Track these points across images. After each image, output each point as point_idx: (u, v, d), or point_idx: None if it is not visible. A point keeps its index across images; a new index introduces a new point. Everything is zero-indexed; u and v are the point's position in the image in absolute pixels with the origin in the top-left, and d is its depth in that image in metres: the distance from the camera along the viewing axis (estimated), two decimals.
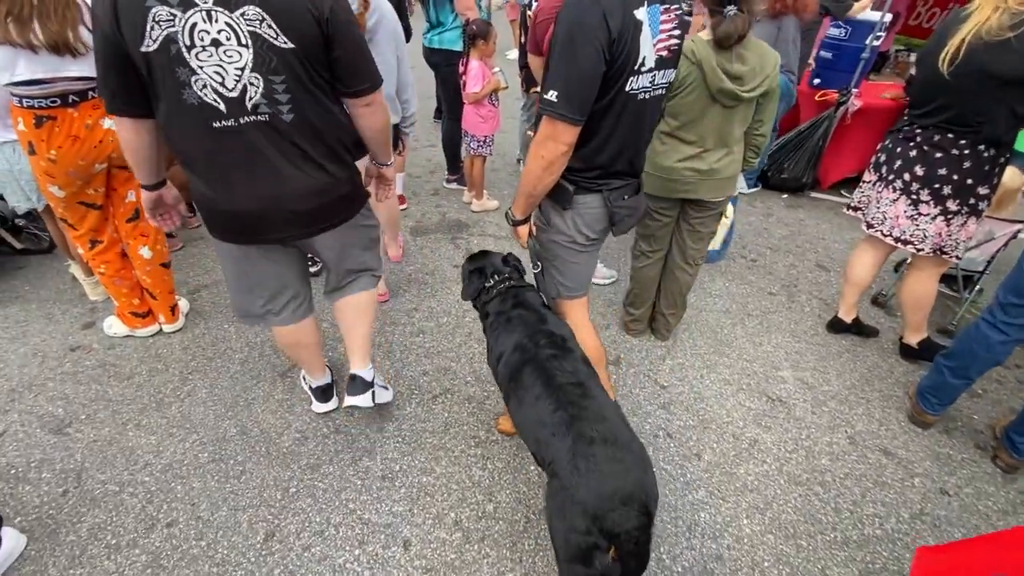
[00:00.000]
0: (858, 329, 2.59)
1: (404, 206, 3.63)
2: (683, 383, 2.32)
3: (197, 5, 1.14)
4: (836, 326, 2.61)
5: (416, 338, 2.52)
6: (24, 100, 1.85)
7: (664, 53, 1.34)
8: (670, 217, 2.28)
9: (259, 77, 1.23)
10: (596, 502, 1.12)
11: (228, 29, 1.17)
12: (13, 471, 1.84)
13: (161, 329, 2.47)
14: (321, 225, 1.51)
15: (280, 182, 1.36)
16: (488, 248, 2.25)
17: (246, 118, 1.26)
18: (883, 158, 2.16)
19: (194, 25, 1.15)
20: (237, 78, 1.22)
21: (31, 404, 2.10)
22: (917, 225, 2.07)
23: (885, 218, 2.16)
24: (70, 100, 1.89)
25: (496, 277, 1.65)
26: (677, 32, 1.36)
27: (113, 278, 2.30)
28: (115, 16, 1.13)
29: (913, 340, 2.42)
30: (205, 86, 1.21)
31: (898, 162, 2.08)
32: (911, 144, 2.04)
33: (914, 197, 2.05)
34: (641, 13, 1.24)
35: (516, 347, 1.45)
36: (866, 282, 2.45)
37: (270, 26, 1.19)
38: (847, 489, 1.88)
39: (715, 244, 2.97)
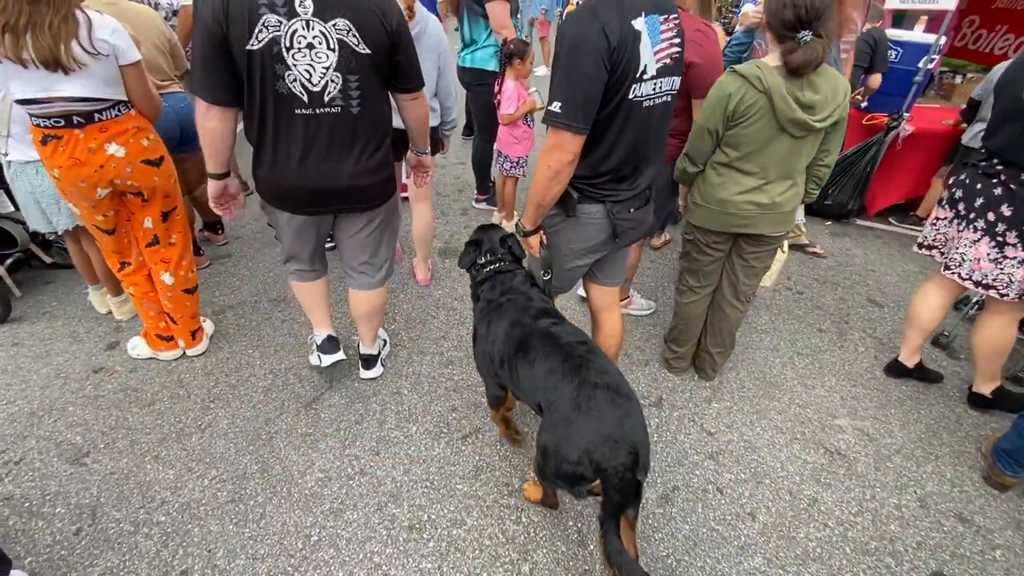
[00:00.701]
0: (921, 374, 2.39)
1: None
2: (732, 430, 2.15)
3: (299, 15, 1.41)
4: (897, 370, 2.42)
5: (445, 369, 2.40)
6: (33, 118, 1.81)
7: (667, 61, 1.39)
8: (722, 252, 2.13)
9: (339, 76, 1.51)
10: (591, 436, 1.26)
11: (321, 36, 1.45)
12: (28, 504, 1.76)
13: (184, 353, 2.40)
14: (362, 204, 1.76)
15: (340, 163, 1.63)
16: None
17: (322, 108, 1.53)
18: (959, 194, 1.99)
19: (295, 31, 1.42)
20: (322, 75, 1.49)
21: (50, 430, 2.03)
22: (1002, 269, 1.88)
23: (964, 260, 1.98)
24: (75, 121, 1.81)
25: (489, 256, 1.75)
26: (677, 40, 1.40)
27: (142, 300, 2.25)
28: (225, 17, 1.36)
29: (986, 389, 2.21)
30: (295, 80, 1.48)
31: (979, 200, 1.90)
32: (994, 181, 1.86)
33: (999, 239, 1.87)
34: (639, 23, 1.29)
35: (514, 324, 1.57)
36: (932, 325, 2.26)
37: (354, 35, 1.48)
38: (921, 562, 1.69)
39: (768, 280, 2.78)
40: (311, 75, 1.48)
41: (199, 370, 2.34)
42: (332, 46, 1.47)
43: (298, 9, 1.41)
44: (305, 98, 1.51)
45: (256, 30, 1.39)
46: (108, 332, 2.56)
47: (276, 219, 1.82)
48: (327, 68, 1.49)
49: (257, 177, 1.68)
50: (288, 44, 1.43)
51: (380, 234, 1.91)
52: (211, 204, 1.78)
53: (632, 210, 1.56)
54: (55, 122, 1.80)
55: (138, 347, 2.38)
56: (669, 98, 1.47)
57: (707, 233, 2.07)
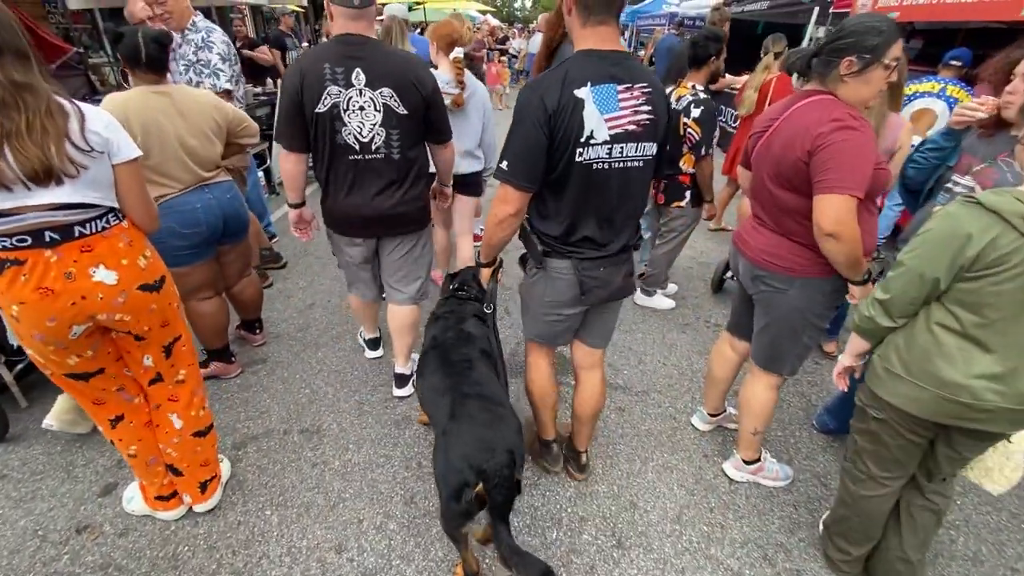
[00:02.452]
0: None
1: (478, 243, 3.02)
2: None
3: (355, 86, 1.84)
4: None
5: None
6: None
7: (630, 127, 1.44)
8: (924, 439, 1.48)
9: (383, 130, 1.92)
10: (469, 442, 1.39)
11: (370, 101, 1.87)
12: None
13: (191, 509, 1.90)
14: (400, 229, 2.16)
15: (383, 196, 2.03)
16: None
17: (369, 155, 1.95)
18: None
19: (351, 98, 1.85)
20: (370, 130, 1.91)
21: None
22: None
23: None
24: (47, 239, 1.34)
25: (456, 286, 2.06)
26: (646, 108, 1.44)
27: (147, 458, 1.78)
28: (301, 89, 1.82)
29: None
30: (349, 133, 1.89)
31: None
32: None
33: None
34: (583, 92, 1.37)
35: (431, 338, 1.81)
36: None
37: (395, 100, 1.89)
38: None
39: (999, 483, 1.85)
40: (361, 130, 1.90)
41: (201, 542, 1.82)
42: (378, 108, 1.89)
43: (353, 81, 1.84)
44: (357, 147, 1.93)
45: (323, 97, 1.83)
46: (109, 467, 2.11)
47: (338, 245, 2.25)
48: (374, 124, 1.91)
49: (324, 206, 2.12)
50: (345, 107, 1.86)
51: (416, 256, 2.30)
52: (292, 229, 2.32)
53: (601, 268, 1.61)
54: (18, 241, 1.32)
55: (134, 500, 1.90)
56: (640, 163, 1.51)
57: (909, 417, 1.42)
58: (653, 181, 1.69)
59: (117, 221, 1.48)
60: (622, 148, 1.46)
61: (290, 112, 1.87)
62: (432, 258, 2.45)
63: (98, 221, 1.42)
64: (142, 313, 1.54)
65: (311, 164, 2.05)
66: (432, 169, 2.27)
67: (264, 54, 6.87)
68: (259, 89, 6.04)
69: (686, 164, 2.81)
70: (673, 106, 2.71)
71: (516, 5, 59.70)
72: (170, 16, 2.71)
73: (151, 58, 2.02)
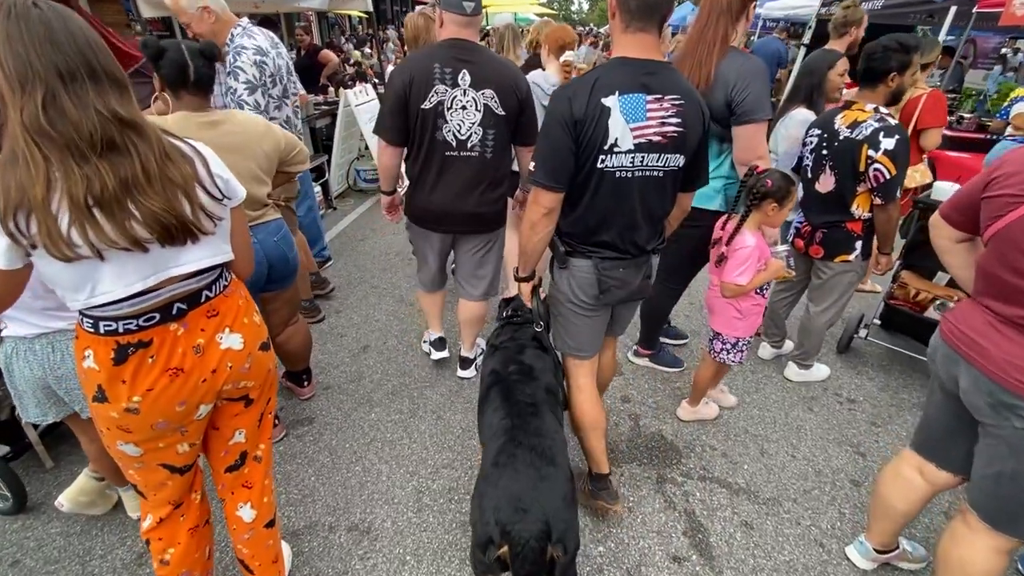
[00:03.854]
0: None
1: None
2: None
3: (460, 86, 1.98)
4: None
5: None
6: (102, 324, 1.09)
7: (656, 138, 1.43)
8: None
9: (481, 128, 2.05)
10: (503, 496, 1.24)
11: (472, 100, 2.01)
12: None
13: None
14: (476, 228, 2.28)
15: (471, 194, 2.14)
16: None
17: (464, 152, 2.08)
18: None
19: (455, 97, 1.99)
20: (469, 128, 2.04)
21: None
22: None
23: None
24: (174, 311, 1.14)
25: (513, 311, 1.91)
26: (675, 120, 1.42)
27: (178, 568, 1.41)
28: (409, 86, 1.95)
29: None
30: (449, 131, 2.03)
31: None
32: None
33: None
34: (610, 100, 1.38)
35: (491, 371, 1.69)
36: None
37: (495, 101, 2.03)
38: None
39: None
40: (460, 127, 2.03)
41: None
42: (479, 108, 2.02)
43: (459, 81, 1.98)
44: (454, 143, 2.06)
45: (430, 94, 1.96)
46: (128, 563, 1.77)
47: (418, 237, 2.33)
48: (473, 123, 2.03)
49: (411, 200, 2.22)
50: (449, 105, 1.99)
51: (488, 255, 2.37)
52: (383, 211, 2.40)
53: (620, 270, 1.62)
54: (146, 320, 1.11)
55: None
56: (661, 173, 1.50)
57: None
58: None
59: (231, 275, 1.31)
60: (643, 158, 1.46)
61: (395, 108, 1.99)
62: (502, 258, 2.52)
63: (220, 281, 1.24)
64: (263, 374, 1.36)
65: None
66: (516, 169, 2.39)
67: (329, 57, 6.70)
68: (320, 98, 5.83)
69: (860, 207, 2.20)
70: (846, 134, 2.11)
71: (573, 8, 58.83)
72: (203, 38, 2.39)
73: (200, 77, 1.67)
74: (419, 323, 3.19)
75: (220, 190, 1.16)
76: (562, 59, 2.68)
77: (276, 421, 2.26)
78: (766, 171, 1.81)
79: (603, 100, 1.38)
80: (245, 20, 2.46)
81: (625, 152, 1.43)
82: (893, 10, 7.01)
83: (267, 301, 2.11)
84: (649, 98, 1.40)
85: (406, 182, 2.28)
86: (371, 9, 5.89)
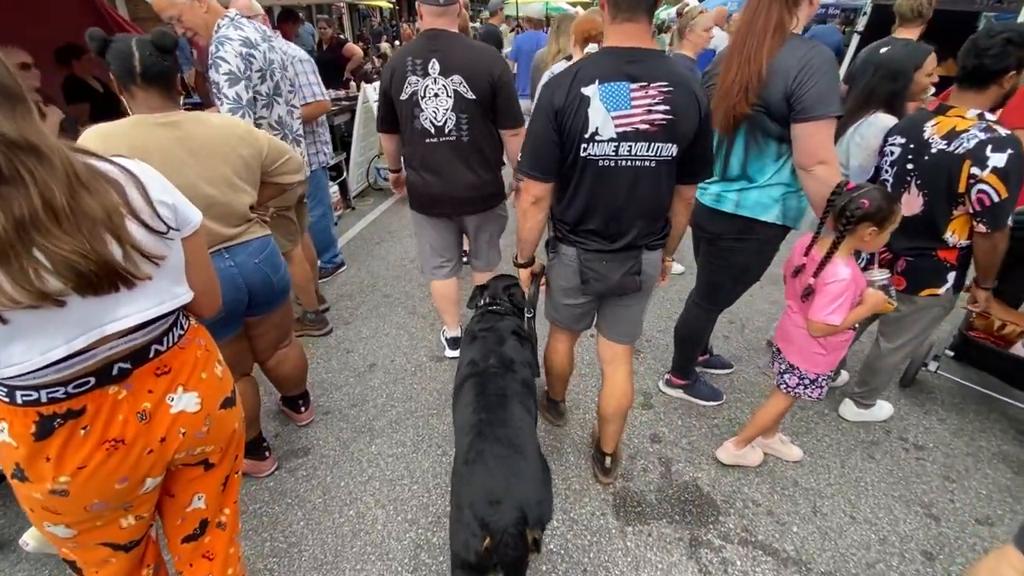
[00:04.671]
0: None
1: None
2: None
3: (430, 75, 2.07)
4: None
5: None
6: (19, 394, 0.89)
7: (644, 127, 1.41)
8: None
9: (454, 114, 2.12)
10: (476, 494, 1.27)
11: (442, 88, 2.08)
12: None
13: None
14: (474, 208, 2.34)
15: (456, 178, 2.22)
16: None
17: (443, 138, 2.16)
18: None
19: (427, 86, 2.08)
20: (443, 114, 2.12)
21: None
22: None
23: None
24: (115, 372, 0.94)
25: (488, 299, 1.97)
26: (663, 108, 1.39)
27: None
28: (390, 81, 2.13)
29: None
30: (425, 118, 2.13)
31: None
32: None
33: None
34: (590, 89, 1.40)
35: (469, 362, 1.67)
36: None
37: (464, 86, 2.07)
38: None
39: None
40: (435, 115, 2.12)
41: None
42: (449, 94, 2.09)
43: (429, 71, 2.07)
44: (432, 130, 2.15)
45: (404, 87, 2.10)
46: None
47: (419, 225, 2.49)
48: (446, 109, 2.11)
49: (408, 186, 2.41)
50: (422, 94, 2.10)
51: (489, 232, 2.50)
52: (392, 187, 2.68)
53: (604, 262, 1.61)
54: (77, 387, 0.91)
55: None
56: (653, 163, 1.47)
57: None
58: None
59: (188, 321, 1.10)
60: (631, 147, 1.45)
61: (383, 101, 2.21)
62: (502, 231, 2.59)
63: (175, 329, 1.04)
64: (225, 437, 1.16)
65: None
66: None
67: (353, 51, 6.53)
68: (342, 93, 5.66)
69: (955, 234, 1.83)
70: (940, 146, 1.75)
71: None
72: (196, 33, 2.16)
73: (150, 69, 1.44)
74: (429, 338, 2.97)
75: (163, 220, 0.94)
76: (586, 51, 2.58)
77: (267, 452, 2.07)
78: (859, 188, 1.49)
79: (583, 89, 1.40)
80: (233, 11, 2.24)
81: (607, 140, 1.43)
82: None
83: (251, 326, 1.91)
84: (634, 86, 1.39)
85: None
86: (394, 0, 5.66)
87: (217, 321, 1.68)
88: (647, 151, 1.44)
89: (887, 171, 1.89)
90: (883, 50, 2.96)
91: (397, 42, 12.50)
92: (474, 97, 2.08)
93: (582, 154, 1.46)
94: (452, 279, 2.60)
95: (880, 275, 1.61)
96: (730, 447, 2.11)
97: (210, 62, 2.13)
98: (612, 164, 1.47)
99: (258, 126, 2.33)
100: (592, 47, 2.58)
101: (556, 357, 2.04)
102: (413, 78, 2.07)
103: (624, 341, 1.84)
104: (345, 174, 4.92)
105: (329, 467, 2.13)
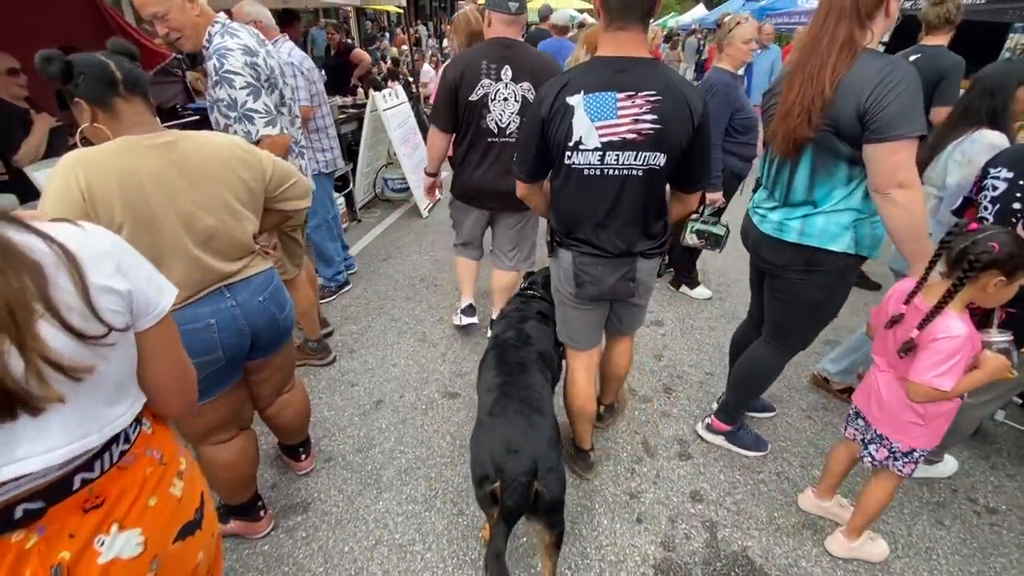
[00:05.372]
0: None
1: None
2: None
3: (503, 80, 2.24)
4: None
5: None
6: None
7: (631, 136, 1.42)
8: None
9: (519, 117, 2.30)
10: (496, 440, 1.42)
11: (512, 92, 2.27)
12: None
13: None
14: (512, 205, 2.15)
15: (508, 175, 1.99)
16: None
17: (503, 138, 2.35)
18: None
19: (498, 90, 2.26)
20: (509, 117, 2.31)
21: None
22: None
23: None
24: (18, 515, 0.69)
25: (525, 285, 2.20)
26: (650, 117, 1.40)
27: None
28: (460, 79, 2.22)
29: None
30: (492, 120, 2.31)
31: None
32: None
33: None
34: (575, 99, 1.42)
35: (494, 336, 1.89)
36: None
37: (532, 93, 2.25)
38: None
39: None
40: (501, 116, 2.30)
41: None
42: (517, 99, 2.27)
43: (502, 76, 2.24)
44: (495, 131, 2.33)
45: (476, 87, 2.24)
46: None
47: (460, 212, 2.68)
48: (512, 112, 2.30)
49: (456, 179, 2.54)
50: (492, 97, 2.26)
51: (522, 231, 2.67)
52: (424, 191, 2.87)
53: (599, 267, 1.63)
54: None
55: None
56: (640, 172, 1.48)
57: None
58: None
59: (139, 426, 0.83)
60: (617, 156, 1.46)
61: (446, 99, 2.28)
62: (536, 235, 2.77)
63: (114, 446, 0.78)
64: (186, 569, 0.90)
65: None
66: None
67: (361, 56, 6.33)
68: (349, 100, 5.45)
69: None
70: None
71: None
72: (180, 35, 1.93)
73: (130, 76, 1.24)
74: (441, 371, 2.73)
75: (102, 319, 0.69)
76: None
77: (262, 512, 1.83)
78: (985, 228, 1.25)
79: (568, 99, 1.43)
80: (223, 15, 2.01)
81: (592, 150, 1.46)
82: (989, 6, 6.17)
83: (252, 371, 1.68)
84: (621, 95, 1.40)
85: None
86: (404, 4, 5.47)
87: (216, 372, 1.47)
88: (634, 160, 1.46)
89: (987, 207, 1.64)
90: (912, 58, 2.77)
91: (404, 46, 12.29)
92: None
93: (566, 162, 1.50)
94: (475, 262, 2.88)
95: (1001, 336, 1.34)
96: (842, 540, 1.79)
97: (215, 79, 1.91)
98: (597, 173, 1.49)
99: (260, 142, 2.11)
100: None
101: (575, 390, 1.93)
102: (487, 81, 2.22)
103: (630, 333, 1.99)
104: (352, 185, 4.70)
105: (331, 527, 1.89)
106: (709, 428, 2.27)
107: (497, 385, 1.58)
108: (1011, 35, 7.71)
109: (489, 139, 2.34)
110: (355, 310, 3.32)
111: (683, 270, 3.52)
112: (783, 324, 1.91)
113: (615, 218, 1.55)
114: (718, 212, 3.01)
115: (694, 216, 3.09)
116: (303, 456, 2.07)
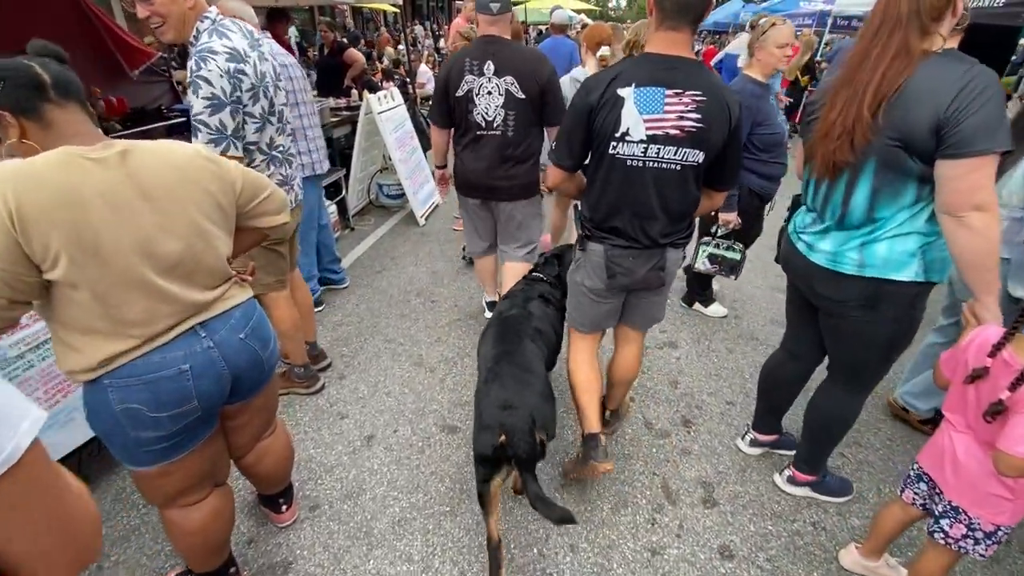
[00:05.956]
0: None
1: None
2: None
3: (485, 75, 2.30)
4: None
5: None
6: None
7: (674, 132, 1.47)
8: None
9: (503, 110, 2.35)
10: (493, 403, 1.55)
11: (496, 87, 2.32)
12: None
13: None
14: (506, 196, 2.56)
15: (499, 165, 2.46)
16: None
17: (491, 131, 2.41)
18: None
19: (482, 85, 2.32)
20: (494, 111, 2.36)
21: None
22: None
23: None
24: None
25: (536, 269, 2.28)
26: (695, 115, 1.45)
27: None
28: (448, 78, 2.36)
29: None
30: (478, 114, 2.37)
31: None
32: None
33: None
34: (625, 91, 1.46)
35: (497, 313, 2.00)
36: None
37: (515, 87, 2.31)
38: None
39: None
40: (487, 110, 2.36)
41: None
42: (501, 93, 2.33)
43: (485, 71, 2.30)
44: (482, 124, 2.39)
45: (461, 84, 2.33)
46: None
47: (462, 205, 2.76)
48: (497, 106, 2.35)
49: (456, 171, 2.62)
50: (477, 92, 2.34)
51: (523, 221, 2.68)
52: (435, 183, 3.17)
53: (630, 258, 1.68)
54: None
55: None
56: (679, 167, 1.53)
57: None
58: None
59: None
60: (659, 149, 1.50)
61: (440, 96, 2.44)
62: (540, 228, 2.83)
63: None
64: None
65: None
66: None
67: (355, 57, 6.08)
68: (343, 102, 5.21)
69: None
70: None
71: (611, 4, 57.29)
72: (163, 23, 1.70)
73: (61, 78, 1.05)
74: (440, 399, 2.51)
75: None
76: (599, 54, 2.94)
77: None
78: None
79: (619, 90, 1.46)
80: (213, 10, 1.79)
81: (637, 141, 1.50)
82: (1004, 9, 6.01)
83: (229, 416, 1.47)
84: (669, 92, 1.45)
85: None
86: (400, 2, 5.23)
87: (189, 424, 1.26)
88: (674, 155, 1.51)
89: None
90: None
91: (389, 47, 12.02)
92: (524, 97, 2.33)
93: (610, 151, 1.54)
94: (491, 256, 2.91)
95: None
96: (856, 556, 1.68)
97: (189, 80, 1.69)
98: (639, 164, 1.54)
99: (247, 152, 1.89)
100: (605, 50, 2.93)
101: (575, 366, 1.97)
102: (470, 76, 2.31)
103: (644, 328, 1.98)
104: (344, 192, 4.47)
105: None
106: (791, 480, 2.03)
107: (493, 356, 1.73)
108: (1023, 39, 7.57)
109: (478, 132, 2.41)
110: (347, 329, 3.09)
111: (697, 286, 3.30)
112: (853, 365, 1.71)
113: (651, 209, 1.60)
114: (732, 234, 2.80)
115: (706, 239, 2.88)
116: (284, 507, 1.84)
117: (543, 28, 15.91)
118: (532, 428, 1.50)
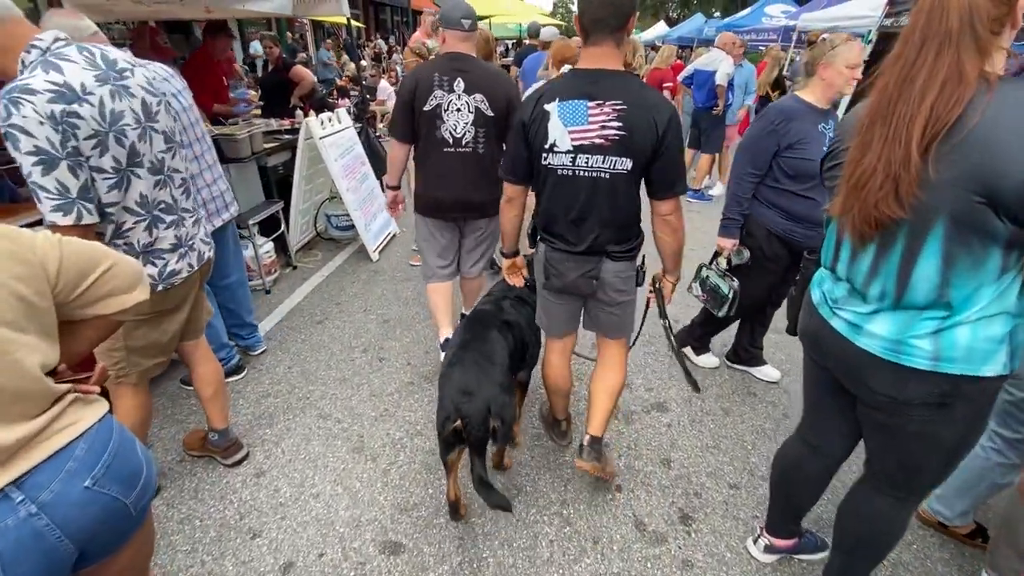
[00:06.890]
0: None
1: None
2: None
3: (455, 91, 2.26)
4: None
5: None
6: None
7: (599, 141, 1.54)
8: None
9: (473, 127, 2.33)
10: (455, 387, 1.67)
11: (465, 104, 2.28)
12: None
13: None
14: (479, 214, 2.53)
15: (466, 185, 2.42)
16: None
17: (460, 148, 2.36)
18: None
19: (451, 101, 2.27)
20: (463, 127, 2.32)
21: None
22: None
23: None
24: None
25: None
26: (616, 124, 1.51)
27: None
28: (414, 92, 2.27)
29: None
30: (446, 130, 2.32)
31: None
32: None
33: None
34: (550, 106, 1.56)
35: (473, 310, 2.10)
36: None
37: (485, 104, 2.30)
38: None
39: None
40: (456, 127, 2.32)
41: None
42: (471, 110, 2.30)
43: (455, 87, 2.26)
44: (450, 141, 2.34)
45: (429, 99, 2.26)
46: None
47: (424, 229, 2.62)
48: (467, 123, 2.32)
49: (417, 192, 2.54)
50: (446, 107, 2.28)
51: (484, 238, 2.67)
52: (387, 207, 2.75)
53: (567, 263, 1.75)
54: None
55: None
56: (608, 175, 1.59)
57: None
58: None
59: None
60: (587, 159, 1.57)
61: (402, 110, 2.36)
62: (496, 243, 2.73)
63: None
64: None
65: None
66: None
67: (303, 74, 5.56)
68: (286, 123, 4.67)
69: None
70: None
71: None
72: None
73: None
74: (380, 502, 2.01)
75: None
76: (561, 71, 2.89)
77: None
78: None
79: (545, 106, 1.57)
80: (48, 36, 1.32)
81: (564, 152, 1.59)
82: None
83: (97, 572, 0.98)
84: (591, 104, 1.52)
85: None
86: (348, 15, 4.77)
87: None
88: (602, 163, 1.57)
89: None
90: None
91: (364, 62, 11.52)
92: (493, 115, 2.33)
93: (543, 162, 1.63)
94: (449, 282, 2.77)
95: None
96: None
97: (3, 130, 1.21)
98: (570, 173, 1.61)
99: (105, 217, 1.42)
100: (566, 68, 2.90)
101: (551, 371, 2.09)
102: (439, 92, 2.27)
103: (616, 336, 1.96)
104: (283, 228, 3.93)
105: None
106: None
107: (459, 343, 1.83)
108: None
109: (444, 149, 2.37)
110: (272, 403, 2.56)
111: (699, 326, 2.88)
112: (909, 469, 1.34)
113: (585, 216, 1.67)
114: (735, 267, 2.42)
115: (708, 264, 2.54)
116: None
117: (509, 44, 15.71)
118: (487, 416, 1.63)
